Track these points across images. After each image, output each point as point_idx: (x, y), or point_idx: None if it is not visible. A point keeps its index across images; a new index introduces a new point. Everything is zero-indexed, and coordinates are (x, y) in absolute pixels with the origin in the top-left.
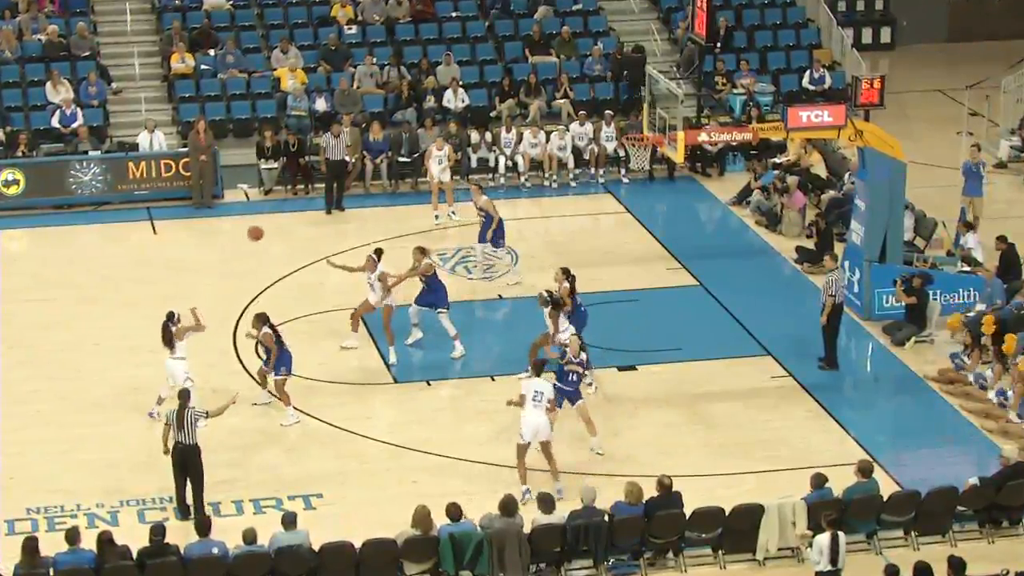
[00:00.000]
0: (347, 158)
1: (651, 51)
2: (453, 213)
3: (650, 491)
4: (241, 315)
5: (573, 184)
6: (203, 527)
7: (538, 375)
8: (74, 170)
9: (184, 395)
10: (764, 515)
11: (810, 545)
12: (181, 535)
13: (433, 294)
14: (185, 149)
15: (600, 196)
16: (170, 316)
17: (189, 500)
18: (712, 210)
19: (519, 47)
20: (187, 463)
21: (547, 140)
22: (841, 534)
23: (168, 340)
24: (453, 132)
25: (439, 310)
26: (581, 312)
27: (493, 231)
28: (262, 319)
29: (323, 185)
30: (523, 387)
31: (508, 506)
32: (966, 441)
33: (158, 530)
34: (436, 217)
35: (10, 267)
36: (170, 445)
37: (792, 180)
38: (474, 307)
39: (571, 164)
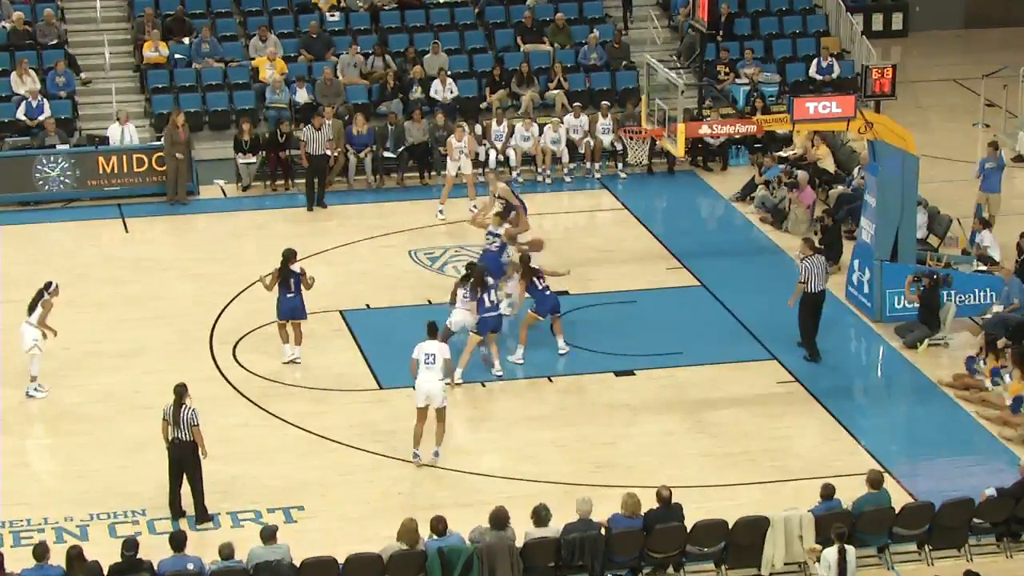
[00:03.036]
0: (329, 152)
1: (650, 39)
2: (475, 207)
3: (649, 502)
4: (217, 318)
5: (568, 179)
6: (178, 541)
7: (432, 337)
8: (41, 165)
9: (180, 391)
10: (770, 528)
11: (818, 560)
12: (154, 550)
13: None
14: (159, 143)
15: (596, 192)
16: (47, 285)
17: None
18: (714, 206)
19: (511, 35)
20: (184, 461)
21: (540, 133)
22: (850, 548)
23: (33, 306)
24: (440, 124)
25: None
26: (546, 295)
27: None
28: (291, 256)
29: (304, 180)
30: (415, 351)
31: (499, 519)
32: (983, 450)
33: (130, 545)
34: (440, 212)
35: None
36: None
37: (803, 175)
38: None
39: (565, 158)
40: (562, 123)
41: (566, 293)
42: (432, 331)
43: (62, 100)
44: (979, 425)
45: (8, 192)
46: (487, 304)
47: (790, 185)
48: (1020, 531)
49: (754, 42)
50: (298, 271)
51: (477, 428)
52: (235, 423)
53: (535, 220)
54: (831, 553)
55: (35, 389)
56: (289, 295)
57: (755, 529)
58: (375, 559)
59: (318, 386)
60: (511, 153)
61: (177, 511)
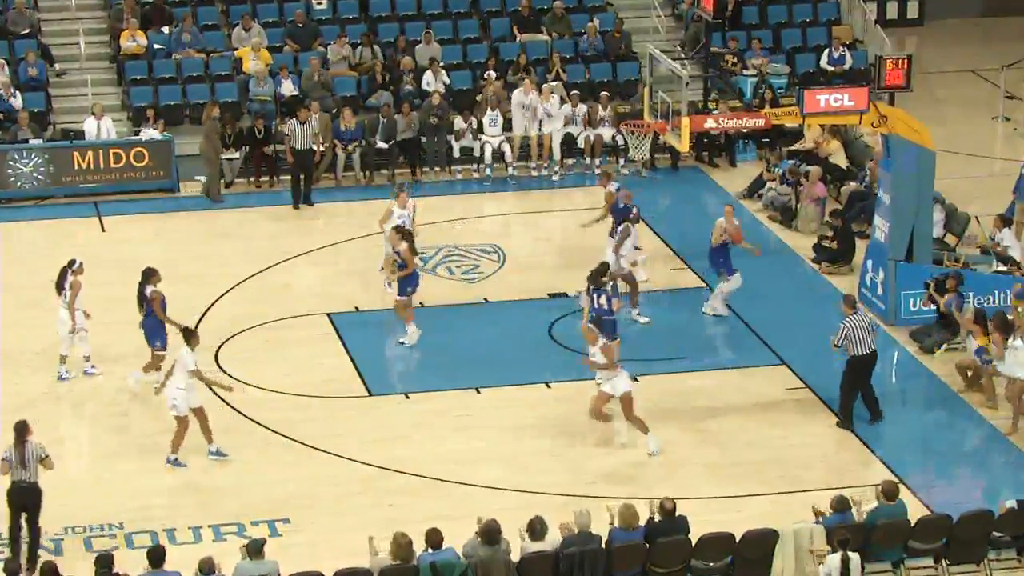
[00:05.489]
0: (315, 147)
1: (653, 29)
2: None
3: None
4: (199, 321)
5: (555, 178)
6: (157, 557)
7: (187, 343)
8: (13, 160)
9: (21, 428)
10: (779, 542)
11: (822, 563)
12: (132, 565)
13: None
14: (136, 138)
15: (596, 188)
16: (70, 263)
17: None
18: (720, 204)
19: (507, 24)
20: (29, 503)
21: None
22: (854, 556)
23: (60, 286)
24: (436, 104)
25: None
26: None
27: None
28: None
29: (289, 177)
30: None
31: (490, 533)
32: (1002, 460)
33: (104, 561)
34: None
35: None
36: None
37: (816, 170)
38: (457, 311)
39: (557, 155)
40: (553, 93)
41: (564, 295)
42: (187, 335)
43: (35, 92)
44: (998, 434)
45: None
46: (595, 304)
47: (793, 183)
48: None
49: (762, 31)
50: (147, 294)
51: (471, 437)
52: (217, 431)
53: (532, 218)
54: (834, 560)
55: (91, 367)
56: (140, 315)
57: (763, 542)
58: (364, 574)
59: (304, 393)
60: (506, 149)
61: (17, 553)
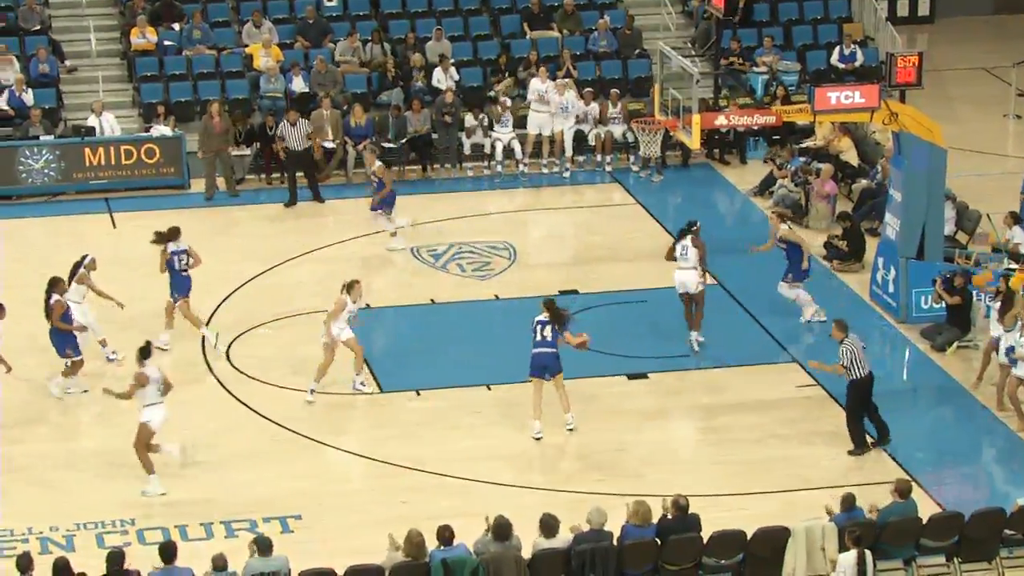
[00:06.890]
0: (312, 146)
1: (663, 25)
2: (363, 384)
3: (656, 512)
4: (209, 319)
5: (566, 175)
6: (168, 553)
7: None
8: (24, 157)
9: None
10: (791, 539)
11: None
12: (143, 561)
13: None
14: (146, 135)
15: (607, 185)
16: (83, 258)
17: None
18: (731, 201)
19: (517, 20)
20: None
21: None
22: (868, 553)
23: (70, 277)
24: (448, 102)
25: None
26: (182, 277)
27: (382, 199)
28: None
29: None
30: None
31: (501, 529)
32: (1014, 457)
33: (115, 558)
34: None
35: None
36: None
37: (827, 167)
38: (468, 308)
39: (569, 151)
40: (571, 88)
41: (576, 292)
42: None
43: (46, 89)
44: (1010, 431)
45: None
46: (539, 335)
47: (800, 182)
48: None
49: (773, 29)
50: (51, 303)
51: (482, 433)
52: (228, 427)
53: (543, 215)
54: (848, 558)
55: (112, 353)
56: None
57: (775, 540)
58: (376, 570)
59: (315, 388)
60: (516, 145)
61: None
